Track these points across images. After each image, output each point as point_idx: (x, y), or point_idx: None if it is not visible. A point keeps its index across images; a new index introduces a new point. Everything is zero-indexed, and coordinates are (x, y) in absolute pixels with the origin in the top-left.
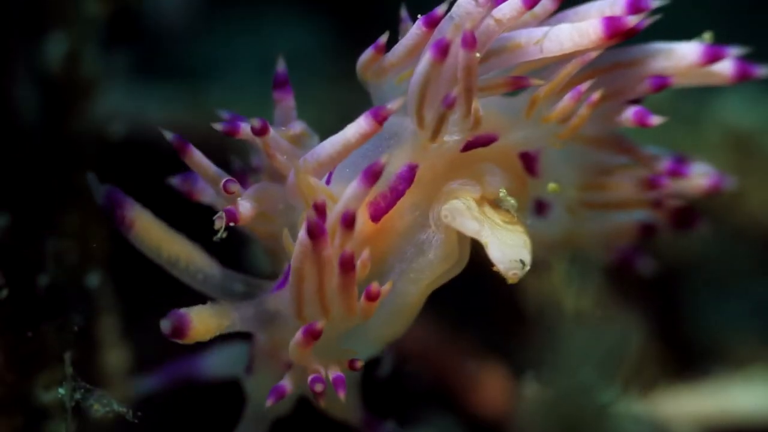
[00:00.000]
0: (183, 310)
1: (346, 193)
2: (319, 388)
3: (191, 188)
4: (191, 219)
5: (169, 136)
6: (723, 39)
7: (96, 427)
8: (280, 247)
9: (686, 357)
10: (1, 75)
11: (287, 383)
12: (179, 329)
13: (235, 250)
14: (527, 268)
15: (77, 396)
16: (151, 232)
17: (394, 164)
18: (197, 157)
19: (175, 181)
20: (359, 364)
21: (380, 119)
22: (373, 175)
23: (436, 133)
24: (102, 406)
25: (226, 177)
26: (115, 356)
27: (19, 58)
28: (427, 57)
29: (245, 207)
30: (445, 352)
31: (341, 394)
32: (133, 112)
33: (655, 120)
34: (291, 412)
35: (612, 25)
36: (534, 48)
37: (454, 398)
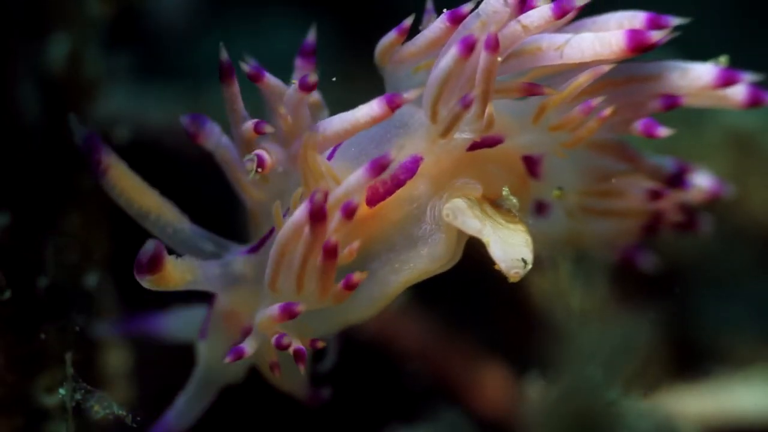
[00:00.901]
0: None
1: (349, 180)
2: (286, 341)
3: (198, 130)
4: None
5: (224, 55)
6: (722, 48)
7: (96, 428)
8: (264, 215)
9: (686, 357)
10: (3, 75)
11: (247, 346)
12: (156, 260)
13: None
14: (529, 266)
15: (77, 397)
16: (125, 180)
17: (400, 154)
18: (234, 88)
19: (184, 120)
20: (320, 344)
21: (393, 106)
22: (379, 167)
23: (448, 129)
24: (102, 407)
25: (252, 119)
26: (115, 357)
27: (20, 59)
28: (452, 52)
29: (271, 156)
30: (445, 351)
31: (300, 367)
32: (134, 113)
33: (663, 132)
34: (241, 381)
35: (635, 38)
36: (554, 53)
37: (454, 397)
